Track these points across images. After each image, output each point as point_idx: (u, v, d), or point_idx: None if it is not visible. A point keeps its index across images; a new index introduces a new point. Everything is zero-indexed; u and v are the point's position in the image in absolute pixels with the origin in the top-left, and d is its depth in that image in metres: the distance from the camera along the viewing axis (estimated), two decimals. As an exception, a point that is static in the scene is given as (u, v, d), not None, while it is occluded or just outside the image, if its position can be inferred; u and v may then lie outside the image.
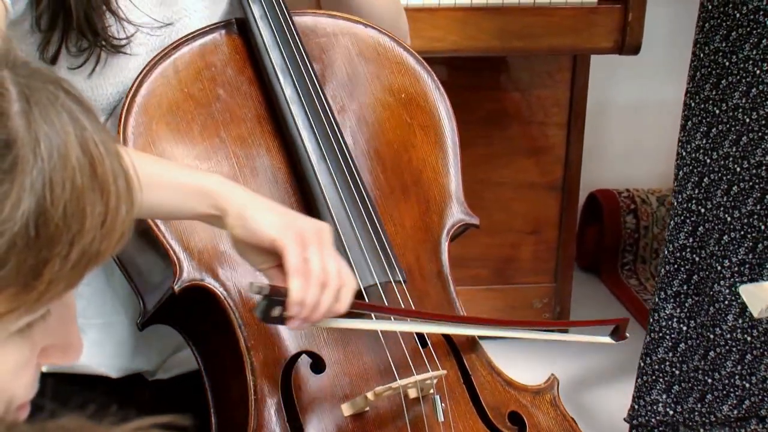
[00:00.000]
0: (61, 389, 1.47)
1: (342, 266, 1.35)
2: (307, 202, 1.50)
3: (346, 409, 1.43)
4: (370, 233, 1.49)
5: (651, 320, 2.22)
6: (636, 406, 2.25)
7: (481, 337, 1.57)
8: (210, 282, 1.44)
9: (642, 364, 2.24)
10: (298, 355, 1.45)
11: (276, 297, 1.30)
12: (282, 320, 1.32)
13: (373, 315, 1.46)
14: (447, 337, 1.54)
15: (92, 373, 1.56)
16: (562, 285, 2.92)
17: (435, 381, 1.45)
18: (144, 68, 1.48)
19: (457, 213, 1.61)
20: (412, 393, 1.44)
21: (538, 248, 2.92)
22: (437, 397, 1.45)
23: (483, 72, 2.80)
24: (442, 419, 1.45)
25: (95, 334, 1.56)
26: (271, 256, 1.33)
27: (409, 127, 1.61)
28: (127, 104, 1.46)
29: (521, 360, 2.37)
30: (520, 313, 2.88)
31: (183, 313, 1.49)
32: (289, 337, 1.46)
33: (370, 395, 1.41)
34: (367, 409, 1.43)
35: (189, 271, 1.43)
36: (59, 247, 0.71)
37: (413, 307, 1.50)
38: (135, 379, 1.60)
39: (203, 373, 1.49)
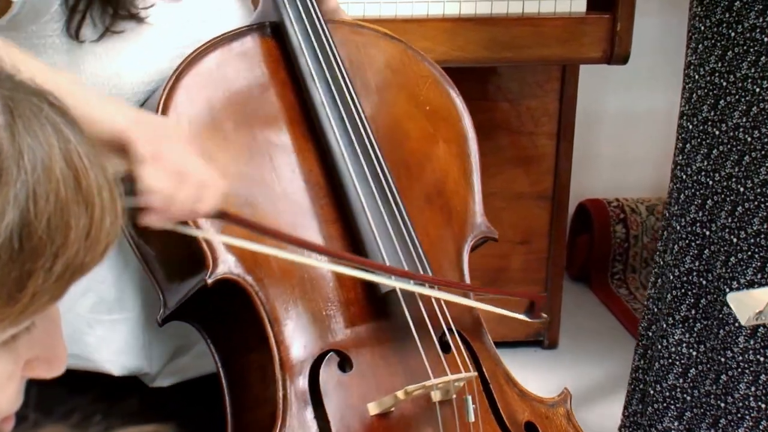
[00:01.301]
0: (46, 395, 1.46)
1: (206, 167, 1.30)
2: (341, 203, 1.51)
3: (373, 408, 1.44)
4: (403, 233, 1.51)
5: (659, 346, 2.17)
6: None
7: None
8: (243, 277, 1.44)
9: (652, 392, 2.20)
10: (325, 353, 1.46)
11: (126, 182, 1.20)
12: (134, 213, 1.23)
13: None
14: (468, 345, 1.55)
15: (95, 369, 1.55)
16: (552, 294, 2.93)
17: (462, 383, 1.46)
18: (178, 67, 1.49)
19: (478, 225, 1.63)
20: (436, 395, 1.45)
21: (528, 258, 2.92)
22: (469, 398, 1.46)
23: (472, 82, 2.80)
24: (473, 419, 1.46)
25: (102, 330, 1.56)
26: (125, 158, 1.25)
27: (432, 138, 1.63)
28: (163, 102, 1.46)
29: (531, 372, 2.37)
30: (511, 322, 2.87)
31: (207, 310, 1.48)
32: (317, 336, 1.46)
33: (400, 394, 1.41)
34: (393, 408, 1.44)
35: (223, 266, 1.43)
36: (43, 260, 0.71)
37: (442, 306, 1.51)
38: (128, 386, 1.59)
39: (221, 372, 1.49)
